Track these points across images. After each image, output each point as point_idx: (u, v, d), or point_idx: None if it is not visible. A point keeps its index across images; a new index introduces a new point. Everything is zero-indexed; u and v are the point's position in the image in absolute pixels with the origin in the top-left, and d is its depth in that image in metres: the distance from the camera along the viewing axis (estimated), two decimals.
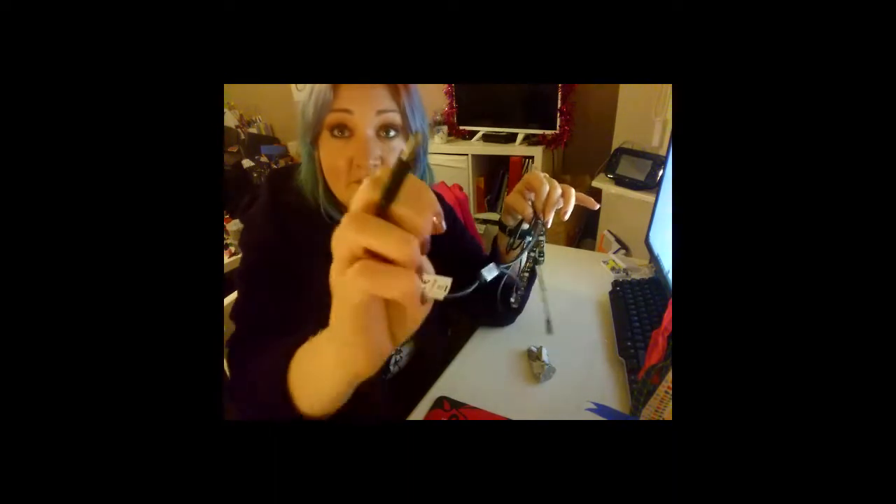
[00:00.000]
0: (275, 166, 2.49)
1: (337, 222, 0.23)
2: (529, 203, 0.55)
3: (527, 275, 0.57)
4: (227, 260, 1.48)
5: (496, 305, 0.60)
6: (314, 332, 0.32)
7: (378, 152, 0.51)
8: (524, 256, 0.56)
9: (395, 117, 0.52)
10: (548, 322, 0.58)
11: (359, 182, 0.52)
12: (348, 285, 0.23)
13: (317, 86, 0.51)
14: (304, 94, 0.53)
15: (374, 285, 0.22)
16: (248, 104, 2.85)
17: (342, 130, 0.51)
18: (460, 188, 1.88)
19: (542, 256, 0.53)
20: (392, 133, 0.52)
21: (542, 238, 0.54)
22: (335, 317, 0.26)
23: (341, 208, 0.57)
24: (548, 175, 0.54)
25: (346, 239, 0.22)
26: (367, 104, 0.50)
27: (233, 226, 1.68)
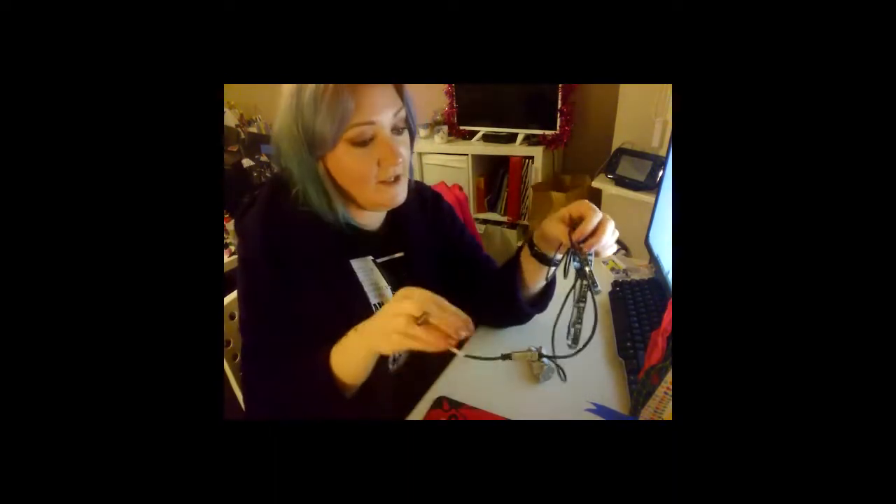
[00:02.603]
0: (275, 166, 2.48)
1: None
2: (568, 232, 0.52)
3: (583, 305, 0.53)
4: (226, 259, 1.48)
5: (516, 306, 0.61)
6: (331, 333, 0.49)
7: (400, 148, 0.53)
8: (576, 286, 0.53)
9: (405, 114, 0.54)
10: (576, 335, 0.55)
11: (385, 182, 0.53)
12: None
13: (325, 102, 0.48)
14: (306, 112, 0.49)
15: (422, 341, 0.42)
16: (248, 104, 2.84)
17: (364, 138, 0.51)
18: (460, 188, 1.88)
19: (597, 286, 0.50)
20: (402, 128, 0.55)
21: (589, 268, 0.51)
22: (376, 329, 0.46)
23: (356, 216, 0.58)
24: (595, 206, 0.52)
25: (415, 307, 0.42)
26: (386, 110, 0.51)
27: (233, 225, 1.68)
